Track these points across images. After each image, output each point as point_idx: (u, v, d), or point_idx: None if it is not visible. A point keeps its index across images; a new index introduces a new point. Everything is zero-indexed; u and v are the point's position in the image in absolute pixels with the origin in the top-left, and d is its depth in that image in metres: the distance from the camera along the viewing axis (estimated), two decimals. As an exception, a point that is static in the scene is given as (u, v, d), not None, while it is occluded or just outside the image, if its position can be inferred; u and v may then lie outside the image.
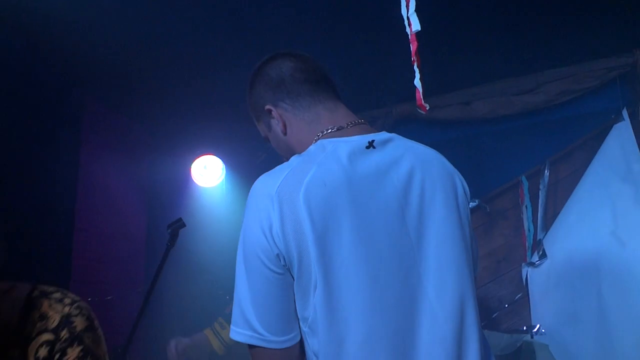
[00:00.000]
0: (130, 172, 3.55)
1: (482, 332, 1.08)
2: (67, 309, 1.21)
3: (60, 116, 2.95)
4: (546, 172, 3.01)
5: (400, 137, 1.16)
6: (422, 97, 1.26)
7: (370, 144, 1.10)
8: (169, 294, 3.22)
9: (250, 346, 1.02)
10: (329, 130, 1.14)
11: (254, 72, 1.25)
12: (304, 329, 1.02)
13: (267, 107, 1.20)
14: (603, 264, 2.59)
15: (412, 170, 1.08)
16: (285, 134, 1.19)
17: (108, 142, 3.36)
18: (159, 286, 1.97)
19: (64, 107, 3.00)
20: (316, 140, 1.12)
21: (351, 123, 1.16)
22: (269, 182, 1.03)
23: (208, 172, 3.61)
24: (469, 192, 1.18)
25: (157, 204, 3.69)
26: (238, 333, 1.01)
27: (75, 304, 1.22)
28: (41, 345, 1.16)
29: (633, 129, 2.81)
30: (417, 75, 1.27)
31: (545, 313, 2.72)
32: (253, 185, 1.06)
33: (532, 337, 2.51)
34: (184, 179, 3.67)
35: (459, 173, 1.19)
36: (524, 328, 2.57)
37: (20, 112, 2.68)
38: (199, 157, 3.63)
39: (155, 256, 2.90)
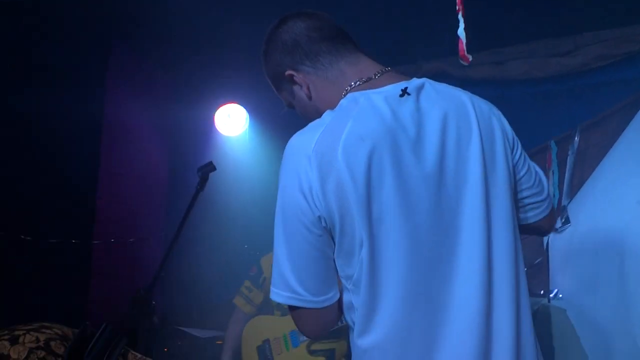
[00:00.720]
0: (154, 117, 3.56)
1: (523, 288, 1.06)
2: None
3: (86, 55, 2.94)
4: (576, 138, 2.93)
5: (433, 82, 1.13)
6: (465, 47, 1.22)
7: (404, 92, 1.06)
8: (193, 240, 3.28)
9: (291, 307, 1.04)
10: (358, 83, 1.11)
11: (266, 41, 1.20)
12: (348, 286, 1.02)
13: (288, 72, 1.16)
14: (627, 234, 2.55)
15: (448, 117, 1.05)
16: (310, 98, 1.16)
17: (133, 86, 3.35)
18: (184, 231, 1.98)
19: (90, 47, 2.98)
20: (345, 95, 1.09)
21: (379, 72, 1.12)
22: (304, 141, 1.02)
23: (232, 121, 3.60)
24: (511, 131, 1.15)
25: (180, 151, 3.71)
26: (278, 294, 1.03)
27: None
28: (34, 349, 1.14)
29: (671, 98, 2.72)
30: (462, 24, 1.22)
31: (564, 279, 2.71)
32: (287, 145, 1.05)
33: (549, 301, 2.51)
34: (208, 127, 3.66)
35: (497, 113, 1.15)
36: (542, 292, 2.57)
37: (47, 49, 2.68)
38: (222, 105, 3.60)
39: (177, 203, 2.94)
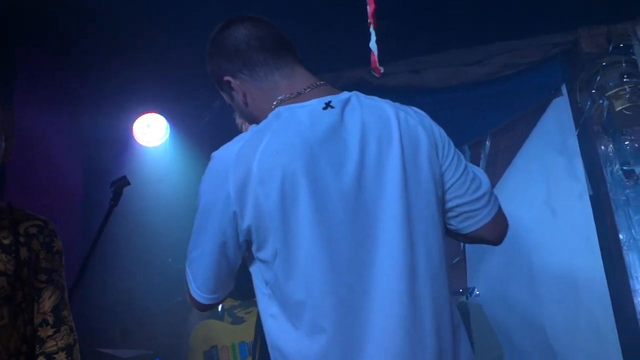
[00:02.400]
0: (68, 126, 3.38)
1: (445, 290, 1.06)
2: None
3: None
4: (487, 143, 3.12)
5: (361, 95, 1.14)
6: (377, 59, 1.26)
7: (328, 105, 1.08)
8: (113, 257, 3.14)
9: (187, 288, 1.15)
10: (287, 97, 1.12)
11: (210, 42, 1.20)
12: (266, 291, 1.04)
13: (226, 78, 1.17)
14: (535, 230, 2.74)
15: (368, 129, 1.06)
16: (246, 104, 1.17)
17: (44, 93, 3.17)
18: (99, 248, 1.90)
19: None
20: (274, 108, 1.10)
21: (310, 86, 1.13)
22: (226, 153, 1.04)
23: (151, 131, 3.49)
24: (442, 138, 1.13)
25: (97, 162, 3.54)
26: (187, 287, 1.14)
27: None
28: (31, 225, 1.43)
29: (570, 105, 2.95)
30: (373, 37, 1.26)
31: (480, 275, 2.86)
32: (211, 157, 1.07)
33: (467, 298, 2.63)
34: (126, 137, 3.53)
35: (428, 123, 1.14)
36: (460, 290, 2.69)
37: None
38: (141, 114, 3.49)
39: (94, 218, 2.81)
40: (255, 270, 1.08)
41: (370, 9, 1.26)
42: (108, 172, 2.72)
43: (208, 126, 3.48)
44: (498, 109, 3.20)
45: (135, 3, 2.63)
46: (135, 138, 3.49)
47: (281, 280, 1.00)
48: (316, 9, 2.75)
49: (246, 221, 1.00)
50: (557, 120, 2.96)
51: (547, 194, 2.83)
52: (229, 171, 1.00)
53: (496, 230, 1.17)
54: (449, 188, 1.12)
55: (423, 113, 1.17)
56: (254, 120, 1.14)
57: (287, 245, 0.98)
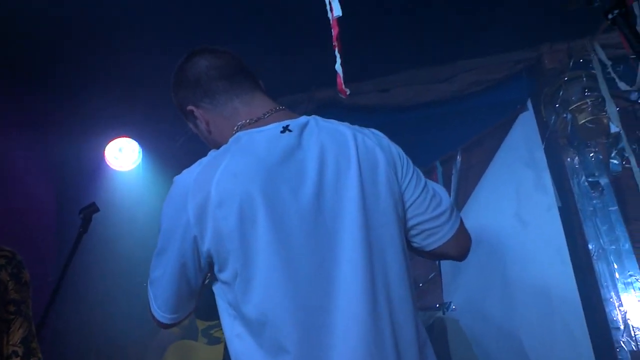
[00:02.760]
0: (39, 151, 3.33)
1: (408, 309, 1.07)
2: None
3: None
4: (458, 158, 3.18)
5: (319, 118, 1.17)
6: (342, 82, 1.29)
7: (286, 129, 1.11)
8: (86, 283, 3.08)
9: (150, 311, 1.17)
10: (247, 121, 1.15)
11: (174, 74, 1.25)
12: (230, 311, 1.06)
13: (189, 107, 1.21)
14: (507, 242, 2.79)
15: (326, 151, 1.08)
16: (210, 132, 1.21)
17: (13, 117, 3.12)
18: (71, 273, 1.88)
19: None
20: (234, 134, 1.13)
21: (269, 112, 1.17)
22: (185, 178, 1.07)
23: (123, 156, 3.46)
24: (400, 158, 1.15)
25: (69, 187, 3.50)
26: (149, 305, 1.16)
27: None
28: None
29: (536, 119, 3.03)
30: (338, 60, 1.30)
31: (456, 290, 2.89)
32: (173, 181, 1.10)
33: (443, 313, 2.65)
34: (98, 162, 3.49)
35: (386, 143, 1.16)
36: (437, 305, 2.71)
37: None
38: (113, 139, 3.47)
39: (67, 243, 2.77)
40: (218, 291, 1.09)
41: (334, 32, 1.30)
42: (81, 197, 2.69)
43: (181, 149, 3.47)
44: (467, 125, 3.26)
45: (107, 28, 2.64)
46: (108, 163, 3.46)
47: (241, 301, 1.01)
48: (286, 31, 2.79)
49: (206, 244, 1.02)
50: (524, 135, 3.03)
51: (517, 206, 2.89)
52: (188, 195, 1.02)
53: (459, 246, 1.19)
54: (410, 206, 1.14)
55: (381, 134, 1.20)
56: (218, 147, 1.16)
57: (246, 266, 1.00)
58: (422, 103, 3.26)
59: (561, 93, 2.87)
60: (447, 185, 3.13)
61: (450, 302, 2.71)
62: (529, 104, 3.08)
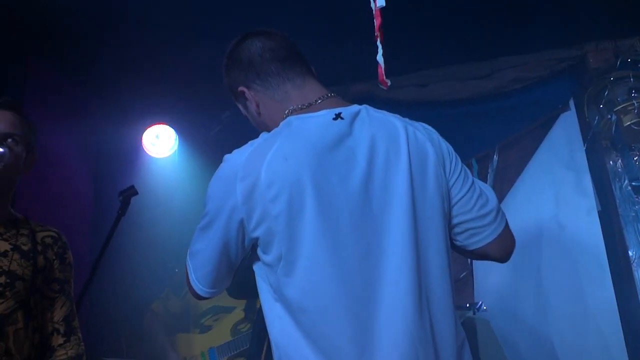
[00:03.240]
0: (78, 138, 3.41)
1: (450, 305, 1.06)
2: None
3: (1, 73, 2.79)
4: (495, 157, 3.11)
5: (371, 108, 1.16)
6: (384, 72, 1.27)
7: (338, 116, 1.10)
8: (121, 266, 3.15)
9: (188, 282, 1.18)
10: (299, 106, 1.15)
11: (227, 55, 1.26)
12: (271, 293, 1.06)
13: (240, 89, 1.22)
14: (544, 245, 2.72)
15: (377, 141, 1.08)
16: (259, 114, 1.21)
17: (54, 106, 3.20)
18: (107, 255, 1.92)
19: (5, 65, 2.83)
20: (285, 118, 1.13)
21: (321, 98, 1.17)
22: (236, 158, 1.07)
23: (160, 142, 3.51)
24: (449, 155, 1.15)
25: (106, 173, 3.57)
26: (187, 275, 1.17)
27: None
28: (47, 236, 1.49)
29: (578, 119, 2.94)
30: (380, 51, 1.28)
31: (487, 290, 2.84)
32: (223, 159, 1.10)
33: (474, 313, 2.61)
34: (135, 149, 3.55)
35: (436, 139, 1.16)
36: (467, 305, 2.66)
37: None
38: (150, 126, 3.52)
39: (104, 228, 2.83)
40: (260, 271, 1.09)
41: (377, 22, 1.28)
42: (117, 183, 2.74)
43: (216, 137, 3.50)
44: (506, 123, 3.19)
45: (145, 18, 2.67)
46: (145, 149, 3.52)
47: (283, 284, 1.01)
48: (324, 23, 2.78)
49: (252, 225, 1.02)
50: (565, 135, 2.95)
51: (555, 208, 2.82)
52: (237, 176, 1.03)
53: (502, 248, 1.17)
54: (456, 204, 1.14)
55: (432, 129, 1.20)
56: (267, 129, 1.17)
57: (291, 249, 1.00)
58: (460, 99, 3.21)
59: (606, 93, 2.79)
60: (482, 184, 3.07)
61: (481, 302, 2.66)
62: (571, 104, 2.99)
